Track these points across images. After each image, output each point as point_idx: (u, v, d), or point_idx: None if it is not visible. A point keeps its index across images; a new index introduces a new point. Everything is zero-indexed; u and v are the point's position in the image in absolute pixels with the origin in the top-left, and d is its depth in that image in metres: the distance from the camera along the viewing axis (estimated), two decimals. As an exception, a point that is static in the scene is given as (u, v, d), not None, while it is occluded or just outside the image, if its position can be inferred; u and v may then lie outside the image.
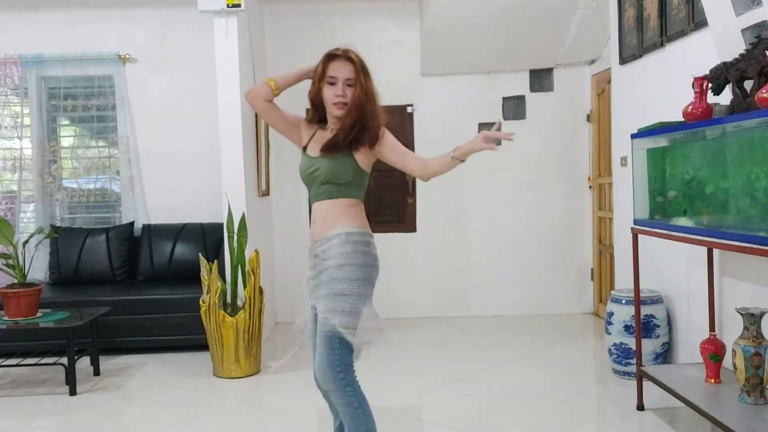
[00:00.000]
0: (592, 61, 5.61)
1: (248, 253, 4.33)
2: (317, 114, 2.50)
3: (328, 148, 2.39)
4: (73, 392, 3.95)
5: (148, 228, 5.34)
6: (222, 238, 4.89)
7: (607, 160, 5.24)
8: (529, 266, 5.79)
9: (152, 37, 5.53)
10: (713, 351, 3.03)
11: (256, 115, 5.08)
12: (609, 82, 4.86)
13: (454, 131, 5.78)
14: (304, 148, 2.50)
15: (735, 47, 2.87)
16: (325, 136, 2.45)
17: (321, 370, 2.32)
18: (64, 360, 4.01)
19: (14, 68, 5.38)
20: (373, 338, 2.33)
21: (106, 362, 4.56)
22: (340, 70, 2.35)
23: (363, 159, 2.41)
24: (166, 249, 5.24)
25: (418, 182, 5.81)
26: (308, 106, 2.51)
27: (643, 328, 3.71)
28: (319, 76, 2.39)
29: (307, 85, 2.50)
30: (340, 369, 2.29)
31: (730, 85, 2.81)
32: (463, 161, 2.33)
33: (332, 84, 2.36)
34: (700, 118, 2.87)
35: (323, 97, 2.39)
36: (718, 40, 3.02)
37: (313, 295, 2.42)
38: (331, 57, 2.38)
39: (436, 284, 5.83)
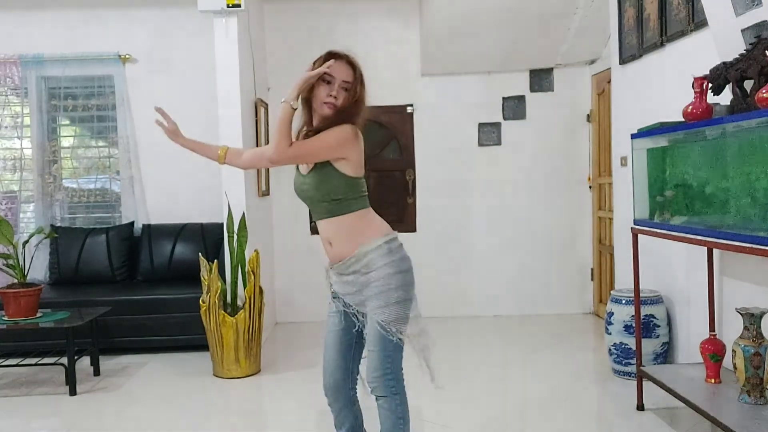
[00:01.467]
0: (592, 61, 5.61)
1: (248, 253, 4.33)
2: (308, 117, 2.38)
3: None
4: (73, 392, 3.95)
5: (148, 228, 5.34)
6: (222, 238, 4.89)
7: (607, 160, 5.24)
8: (529, 266, 5.79)
9: (152, 37, 5.53)
10: (713, 351, 3.03)
11: (256, 115, 5.09)
12: (609, 82, 4.86)
13: (454, 131, 5.80)
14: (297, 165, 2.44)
15: (735, 47, 2.87)
16: None
17: (374, 376, 2.30)
18: (64, 360, 4.01)
19: (14, 68, 5.38)
20: (426, 342, 2.37)
21: (106, 362, 4.56)
22: (340, 71, 2.28)
23: (346, 165, 2.29)
24: (166, 249, 5.24)
25: (418, 182, 5.81)
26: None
27: (643, 328, 3.71)
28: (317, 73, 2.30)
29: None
30: (392, 377, 2.29)
31: (730, 85, 2.80)
32: (295, 107, 2.23)
33: (328, 83, 2.27)
34: (700, 118, 2.87)
35: (314, 95, 2.29)
36: (718, 40, 3.02)
37: (353, 306, 2.38)
38: (332, 56, 2.30)
39: (436, 284, 5.82)
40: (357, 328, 2.41)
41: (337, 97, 2.28)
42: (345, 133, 2.26)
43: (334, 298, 2.46)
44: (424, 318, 2.42)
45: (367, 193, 2.40)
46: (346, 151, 2.28)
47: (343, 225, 2.32)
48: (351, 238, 2.32)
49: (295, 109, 2.25)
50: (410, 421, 2.37)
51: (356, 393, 2.49)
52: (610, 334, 3.95)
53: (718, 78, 2.84)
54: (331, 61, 2.26)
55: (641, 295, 3.71)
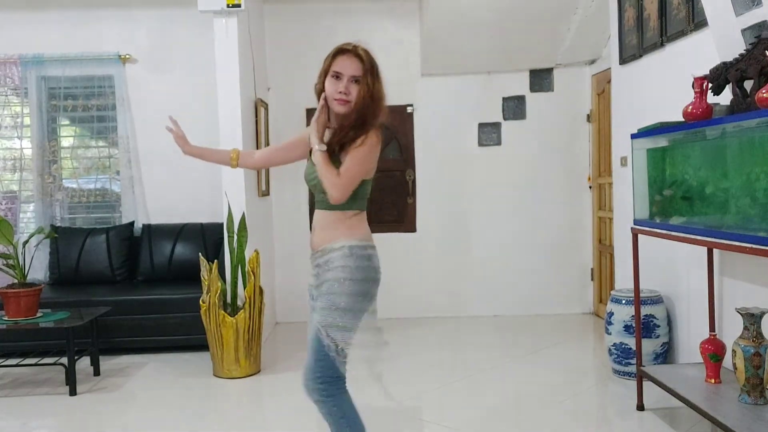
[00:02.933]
0: (592, 61, 5.61)
1: (248, 253, 4.33)
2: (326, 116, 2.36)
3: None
4: (73, 392, 3.95)
5: (148, 228, 5.34)
6: (222, 238, 4.89)
7: (607, 160, 5.24)
8: (529, 266, 5.79)
9: (152, 37, 5.53)
10: (713, 351, 3.03)
11: (256, 115, 5.09)
12: (609, 82, 4.86)
13: (454, 131, 5.80)
14: (310, 152, 2.39)
15: (735, 47, 2.88)
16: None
17: (305, 380, 2.28)
18: (64, 360, 4.02)
19: (14, 68, 5.38)
20: (377, 355, 2.32)
21: (106, 362, 4.56)
22: (347, 66, 2.25)
23: None
24: (166, 249, 5.24)
25: (418, 182, 5.81)
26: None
27: (643, 328, 3.71)
28: (325, 71, 2.30)
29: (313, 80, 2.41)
30: (322, 380, 2.24)
31: (730, 85, 2.81)
32: (323, 149, 2.26)
33: (337, 79, 2.26)
34: (700, 118, 2.87)
35: (327, 93, 2.28)
36: (718, 40, 3.02)
37: (313, 305, 2.37)
38: (339, 51, 2.28)
39: (436, 284, 5.83)
40: None
41: (347, 92, 2.25)
42: (372, 144, 2.25)
43: (310, 294, 2.44)
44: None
45: (367, 196, 2.38)
46: (375, 158, 2.31)
47: (331, 218, 2.32)
48: (329, 232, 2.31)
49: (326, 150, 2.26)
50: (360, 422, 2.30)
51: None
52: (610, 334, 3.95)
53: (718, 78, 2.85)
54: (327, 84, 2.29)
55: (641, 295, 3.72)
